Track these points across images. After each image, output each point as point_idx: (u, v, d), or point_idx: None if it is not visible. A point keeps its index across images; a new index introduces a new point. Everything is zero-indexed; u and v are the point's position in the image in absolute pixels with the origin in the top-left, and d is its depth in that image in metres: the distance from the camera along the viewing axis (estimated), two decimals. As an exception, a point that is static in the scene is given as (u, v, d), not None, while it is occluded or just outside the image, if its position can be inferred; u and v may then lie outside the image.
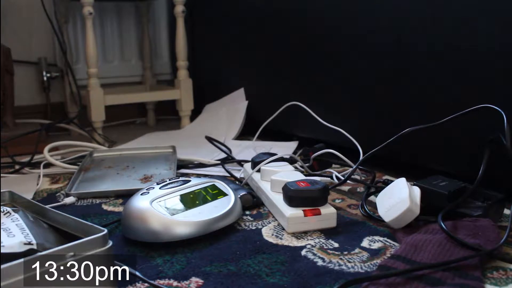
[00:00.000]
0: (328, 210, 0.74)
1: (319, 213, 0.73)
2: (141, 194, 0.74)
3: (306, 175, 0.88)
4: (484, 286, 0.56)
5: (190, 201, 0.75)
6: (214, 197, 0.77)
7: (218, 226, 0.72)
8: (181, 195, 0.75)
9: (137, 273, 0.57)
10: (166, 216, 0.69)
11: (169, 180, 0.79)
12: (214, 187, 0.80)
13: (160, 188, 0.76)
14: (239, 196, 0.82)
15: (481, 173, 0.73)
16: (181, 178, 0.80)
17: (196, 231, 0.69)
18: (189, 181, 0.80)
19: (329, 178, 0.96)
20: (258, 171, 0.90)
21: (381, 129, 1.03)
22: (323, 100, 1.18)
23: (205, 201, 0.75)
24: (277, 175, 0.82)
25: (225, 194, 0.78)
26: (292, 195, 0.74)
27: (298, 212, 0.72)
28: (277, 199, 0.78)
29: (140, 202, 0.71)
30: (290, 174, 0.83)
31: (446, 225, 0.65)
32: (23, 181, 1.04)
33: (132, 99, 1.55)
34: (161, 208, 0.71)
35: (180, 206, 0.73)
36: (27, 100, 1.67)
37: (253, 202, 0.84)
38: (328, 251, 0.67)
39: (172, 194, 0.75)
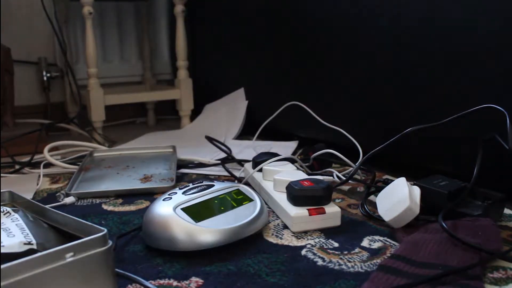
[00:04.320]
0: (332, 209, 0.74)
1: (324, 212, 0.73)
2: (163, 200, 0.71)
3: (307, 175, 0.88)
4: (484, 285, 0.56)
5: (215, 207, 0.71)
6: (240, 203, 0.74)
7: (245, 233, 0.68)
8: (205, 201, 0.72)
9: (137, 277, 0.57)
10: (190, 223, 0.66)
11: (192, 184, 0.76)
12: (239, 192, 0.77)
13: (183, 194, 0.73)
14: None
15: (476, 173, 0.74)
16: (204, 183, 0.77)
17: (222, 239, 0.66)
18: (213, 185, 0.76)
19: (331, 177, 0.96)
20: (260, 170, 0.90)
21: (381, 129, 1.03)
22: (323, 99, 1.18)
23: (230, 207, 0.72)
24: (280, 174, 0.82)
25: (250, 200, 0.75)
26: (297, 195, 0.73)
27: (302, 211, 0.72)
28: (280, 198, 0.78)
29: (162, 209, 0.68)
30: (293, 173, 0.83)
31: (446, 224, 0.65)
32: (23, 181, 1.04)
33: (132, 99, 1.55)
34: (185, 215, 0.68)
35: (205, 212, 0.69)
36: (27, 100, 1.67)
37: None
38: (328, 250, 0.67)
39: (196, 200, 0.72)
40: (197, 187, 0.76)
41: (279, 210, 0.78)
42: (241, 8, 1.46)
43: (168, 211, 0.67)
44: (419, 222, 0.72)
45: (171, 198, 0.71)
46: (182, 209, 0.69)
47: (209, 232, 0.66)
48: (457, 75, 0.85)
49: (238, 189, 0.77)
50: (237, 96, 1.52)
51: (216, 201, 0.73)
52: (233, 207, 0.72)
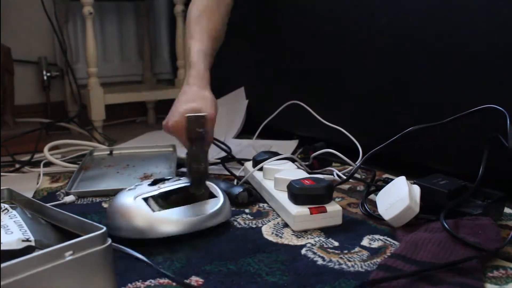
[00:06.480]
0: (333, 208, 0.74)
1: (325, 211, 0.73)
2: (128, 190, 0.74)
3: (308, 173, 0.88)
4: (484, 285, 0.56)
5: (175, 199, 0.74)
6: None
7: (202, 225, 0.71)
8: (167, 192, 0.74)
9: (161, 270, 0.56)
10: (149, 212, 0.68)
11: (160, 178, 0.78)
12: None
13: (148, 185, 0.75)
14: (236, 193, 0.83)
15: (481, 173, 0.73)
16: (173, 178, 0.79)
17: (179, 229, 0.68)
18: (179, 179, 0.79)
19: (332, 176, 0.96)
20: (260, 169, 0.90)
21: (381, 128, 1.03)
22: (323, 99, 1.17)
23: (192, 201, 0.74)
24: (281, 173, 0.82)
25: (214, 196, 0.77)
26: (298, 193, 0.73)
27: (304, 210, 0.72)
28: (281, 197, 0.78)
29: (124, 199, 0.71)
30: (293, 172, 0.83)
31: (446, 223, 0.65)
32: (23, 180, 1.04)
33: (132, 98, 1.55)
34: (144, 204, 0.70)
35: (165, 203, 0.72)
36: (27, 99, 1.67)
37: (248, 199, 0.84)
38: (328, 250, 0.67)
39: (158, 191, 0.74)
40: (163, 180, 0.77)
41: (280, 208, 0.78)
42: (240, 7, 1.46)
43: (129, 200, 0.70)
44: (419, 221, 0.72)
45: (135, 188, 0.74)
46: (143, 198, 0.71)
47: (166, 222, 0.68)
48: (457, 75, 0.85)
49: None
50: (237, 95, 1.52)
51: (177, 194, 0.75)
52: (194, 201, 0.74)
